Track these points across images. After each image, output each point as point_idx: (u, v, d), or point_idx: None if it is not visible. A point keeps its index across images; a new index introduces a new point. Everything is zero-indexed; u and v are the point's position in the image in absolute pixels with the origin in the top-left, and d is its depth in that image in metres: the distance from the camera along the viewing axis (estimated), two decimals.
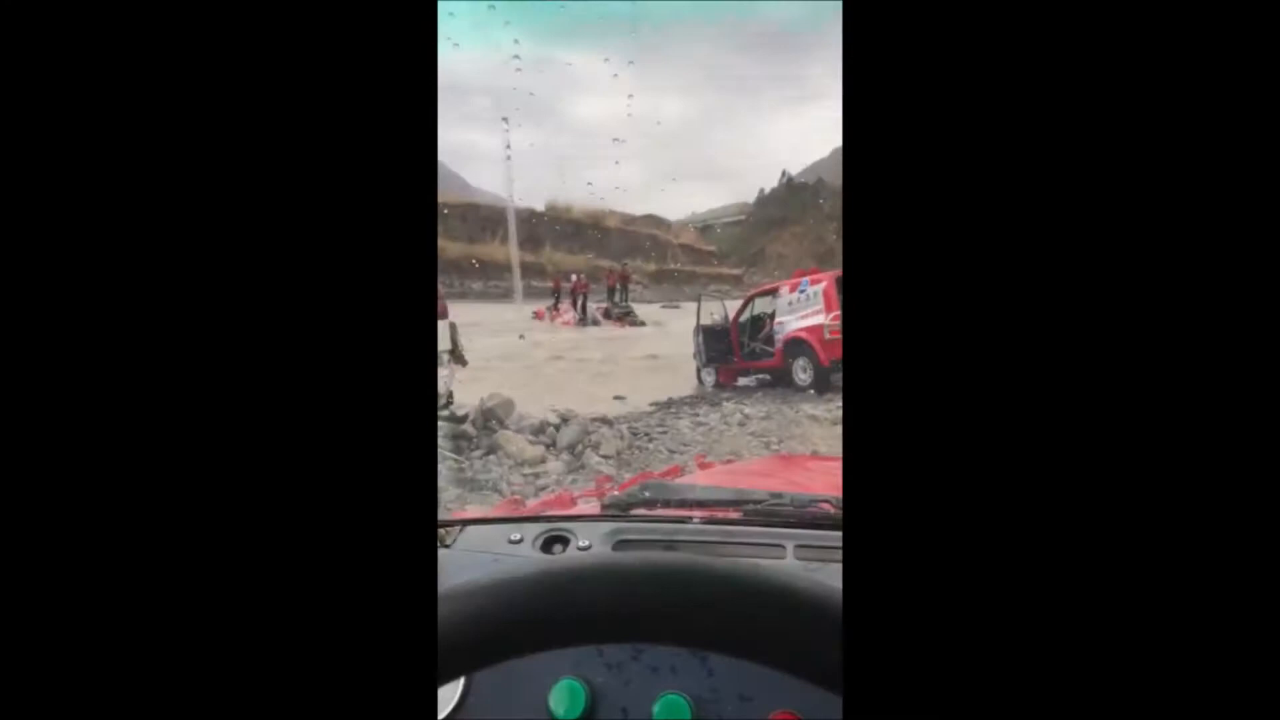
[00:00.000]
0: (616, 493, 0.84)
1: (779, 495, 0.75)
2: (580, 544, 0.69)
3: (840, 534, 0.68)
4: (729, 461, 2.07)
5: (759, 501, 0.73)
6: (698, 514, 0.74)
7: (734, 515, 0.73)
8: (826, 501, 0.72)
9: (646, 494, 0.81)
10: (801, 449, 4.84)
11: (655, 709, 0.51)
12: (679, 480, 1.29)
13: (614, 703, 0.52)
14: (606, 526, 0.71)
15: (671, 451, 4.68)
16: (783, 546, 0.65)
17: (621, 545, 0.69)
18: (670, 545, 0.69)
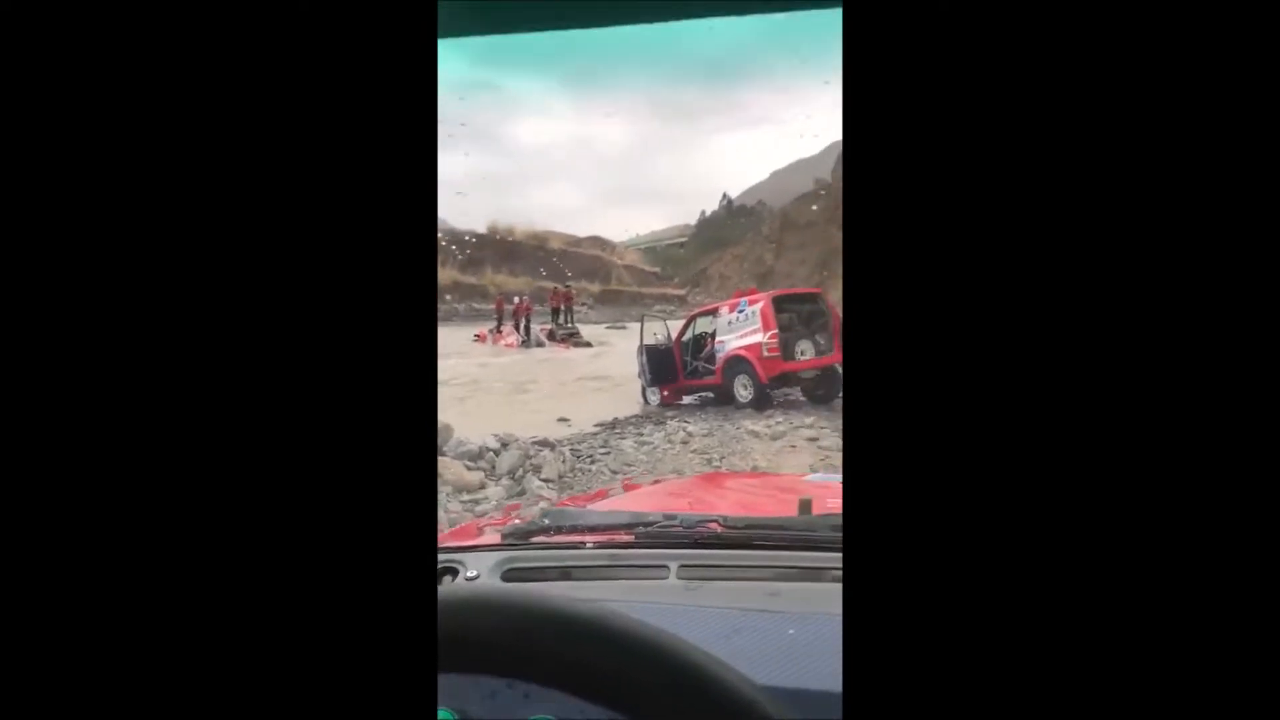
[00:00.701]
0: (517, 522, 0.84)
1: (671, 516, 0.77)
2: (468, 574, 0.69)
3: (724, 552, 0.71)
4: (656, 482, 2.09)
5: (650, 523, 0.75)
6: (591, 539, 0.75)
7: (627, 538, 0.74)
8: (715, 521, 0.75)
9: (546, 521, 0.81)
10: (742, 465, 4.92)
11: None
12: (603, 503, 1.30)
13: None
14: (496, 556, 0.71)
15: (614, 472, 4.67)
16: (666, 567, 0.66)
17: (510, 574, 0.69)
18: (564, 572, 0.70)
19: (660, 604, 0.58)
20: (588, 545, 0.73)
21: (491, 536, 0.88)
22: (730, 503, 1.23)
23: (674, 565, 0.67)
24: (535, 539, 0.79)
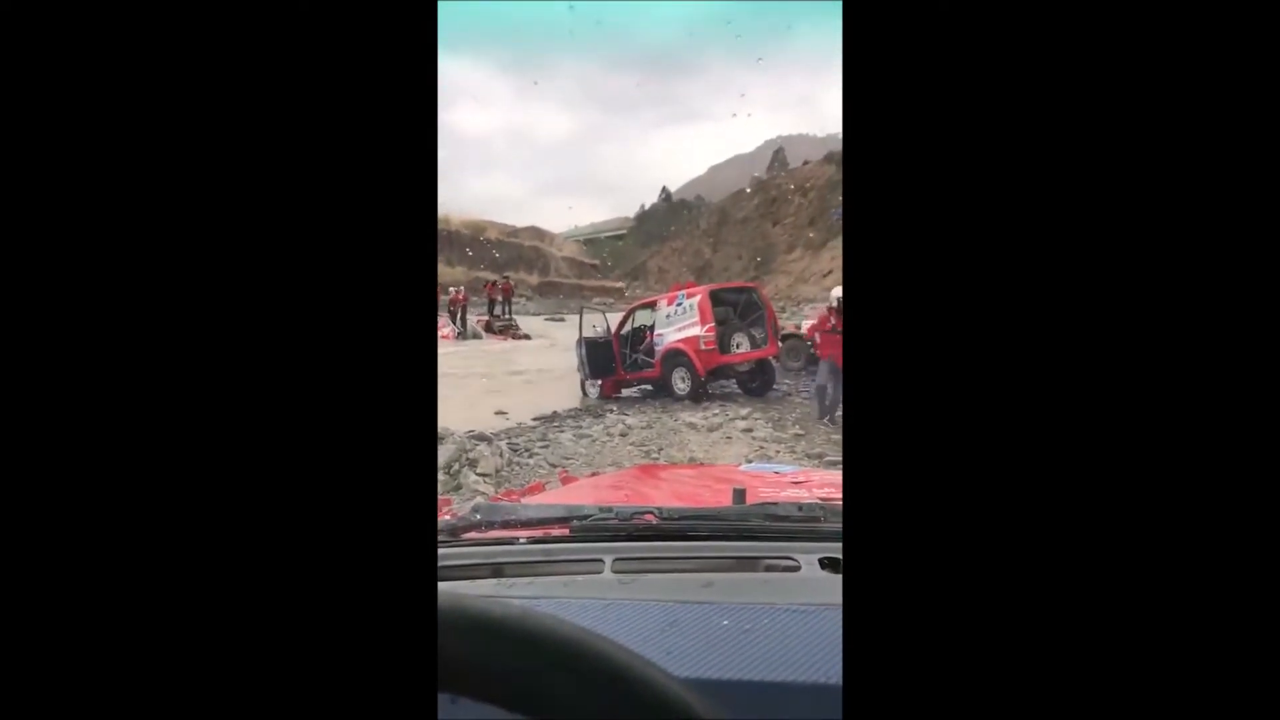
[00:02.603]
0: (448, 517, 0.82)
1: (607, 509, 0.76)
2: None
3: (660, 543, 0.71)
4: (594, 475, 2.09)
5: (585, 517, 0.74)
6: (524, 534, 0.74)
7: (559, 532, 0.73)
8: (650, 513, 0.75)
9: (478, 516, 0.79)
10: (680, 456, 4.98)
11: None
12: (538, 497, 1.28)
13: None
14: None
15: (553, 465, 4.63)
16: (601, 561, 0.66)
17: (445, 574, 0.67)
18: (496, 569, 0.68)
19: (595, 599, 0.58)
20: (521, 540, 0.72)
21: None
22: (666, 493, 1.24)
23: (609, 559, 0.66)
24: (467, 535, 0.76)
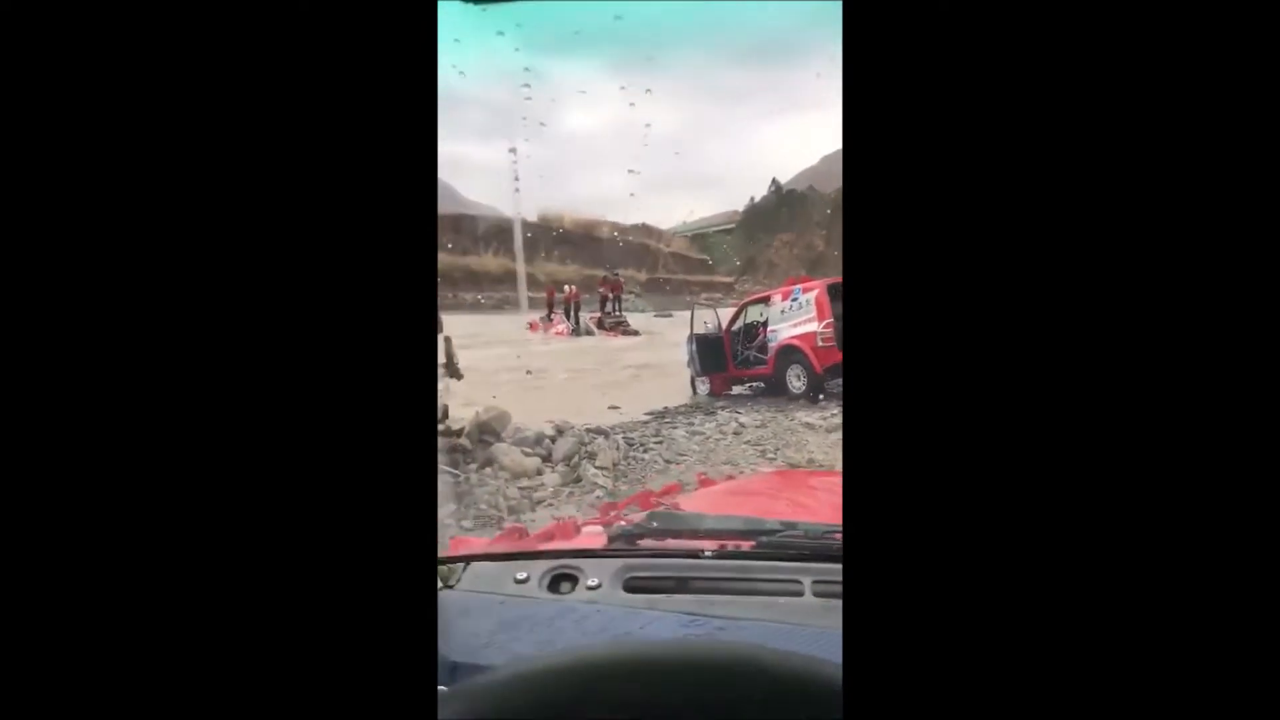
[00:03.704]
0: (623, 524, 0.82)
1: (792, 525, 0.74)
2: (589, 583, 0.67)
3: None
4: (730, 478, 2.06)
5: (772, 532, 0.72)
6: (708, 545, 0.72)
7: (745, 547, 0.71)
8: (838, 532, 0.71)
9: (654, 524, 0.79)
10: (798, 457, 4.84)
11: None
12: (679, 497, 1.27)
13: None
14: (615, 564, 0.69)
15: (668, 461, 4.66)
16: (800, 583, 0.63)
17: (632, 584, 0.67)
18: (682, 583, 0.68)
19: (799, 626, 0.55)
20: (706, 554, 0.71)
21: (591, 537, 0.87)
22: (824, 504, 1.19)
23: (807, 581, 0.63)
24: (642, 542, 0.76)
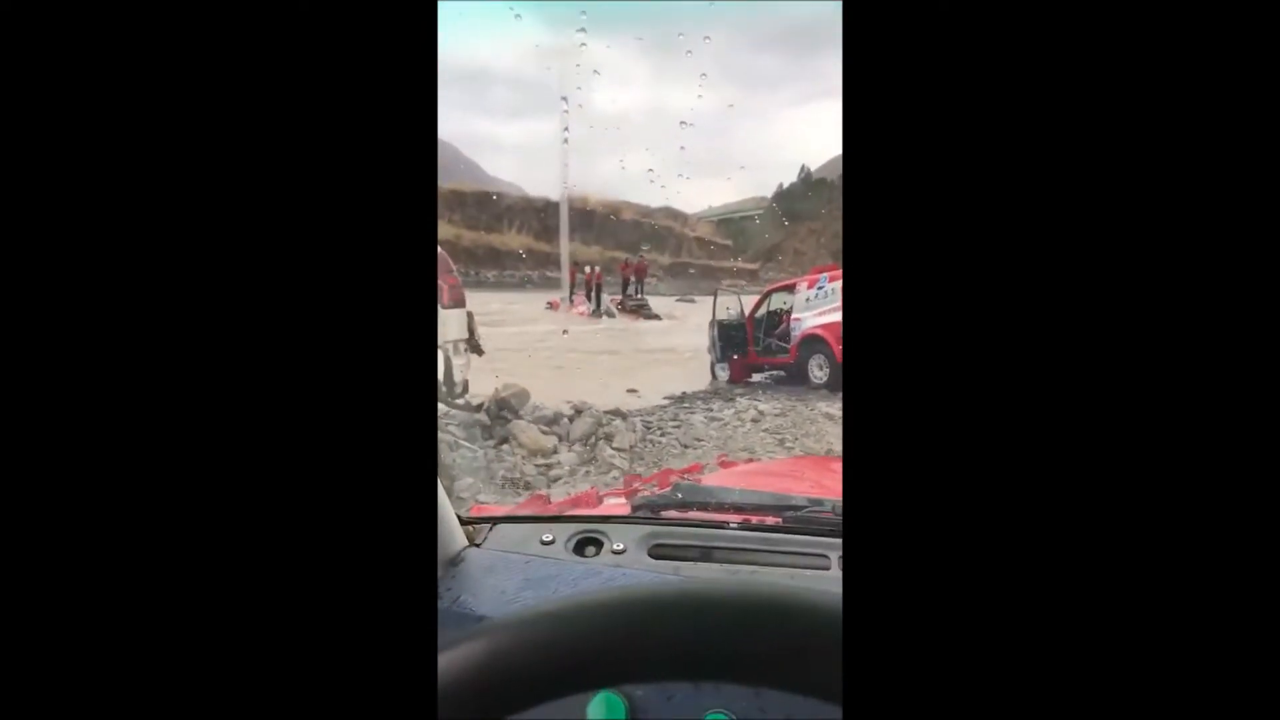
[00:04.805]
0: (647, 494, 0.82)
1: (819, 502, 0.72)
2: (615, 547, 0.66)
3: None
4: (750, 460, 2.05)
5: (799, 507, 0.71)
6: (733, 518, 0.72)
7: (772, 521, 0.70)
8: None
9: (679, 495, 0.78)
10: (817, 446, 4.81)
11: None
12: (700, 478, 1.26)
13: (655, 718, 0.50)
14: (640, 530, 0.69)
15: (685, 446, 4.66)
16: (827, 557, 0.62)
17: (657, 551, 0.67)
18: (707, 552, 0.67)
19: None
20: (732, 526, 0.70)
21: (615, 506, 0.86)
22: None
23: (834, 555, 0.62)
24: (666, 513, 0.76)
